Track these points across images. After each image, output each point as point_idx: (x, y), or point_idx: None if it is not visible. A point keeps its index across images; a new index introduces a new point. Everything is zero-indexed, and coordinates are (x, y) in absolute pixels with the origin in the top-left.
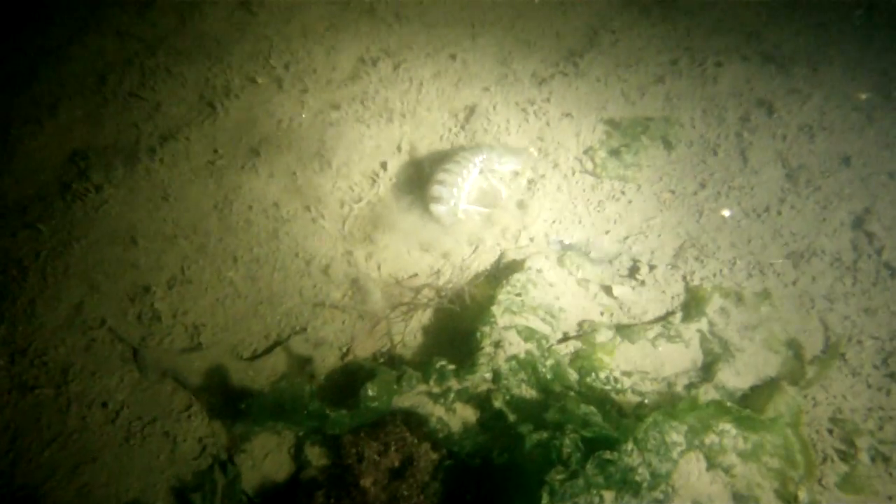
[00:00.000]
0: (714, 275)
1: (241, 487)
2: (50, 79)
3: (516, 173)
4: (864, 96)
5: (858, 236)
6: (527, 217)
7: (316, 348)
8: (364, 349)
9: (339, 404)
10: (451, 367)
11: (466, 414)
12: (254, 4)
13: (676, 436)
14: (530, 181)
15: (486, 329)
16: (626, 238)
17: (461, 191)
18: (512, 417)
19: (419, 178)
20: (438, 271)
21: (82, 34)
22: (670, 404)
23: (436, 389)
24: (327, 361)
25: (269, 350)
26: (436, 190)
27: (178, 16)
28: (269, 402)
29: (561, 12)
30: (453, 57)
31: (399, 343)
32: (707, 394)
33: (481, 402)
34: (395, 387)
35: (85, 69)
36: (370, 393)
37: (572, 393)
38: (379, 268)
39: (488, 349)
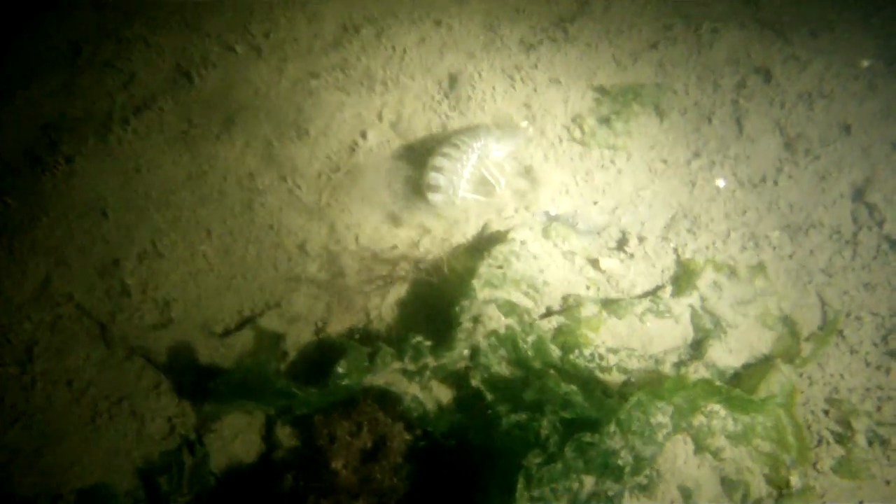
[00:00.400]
0: (707, 247)
1: (210, 469)
2: (24, 50)
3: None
4: (866, 63)
5: (858, 208)
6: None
7: (290, 324)
8: (340, 324)
9: (312, 382)
10: (428, 343)
11: (443, 393)
12: None
13: (662, 417)
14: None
15: (466, 303)
16: (616, 209)
17: (460, 178)
18: (489, 396)
19: (402, 148)
20: (418, 243)
21: (59, 4)
22: (657, 383)
23: (411, 367)
24: (302, 337)
25: (241, 326)
26: (433, 178)
27: None
28: (235, 380)
29: None
30: (438, 23)
31: (376, 317)
32: (697, 372)
33: (458, 379)
34: (367, 364)
35: (60, 40)
36: (340, 371)
37: (553, 371)
38: (357, 239)
39: (467, 324)
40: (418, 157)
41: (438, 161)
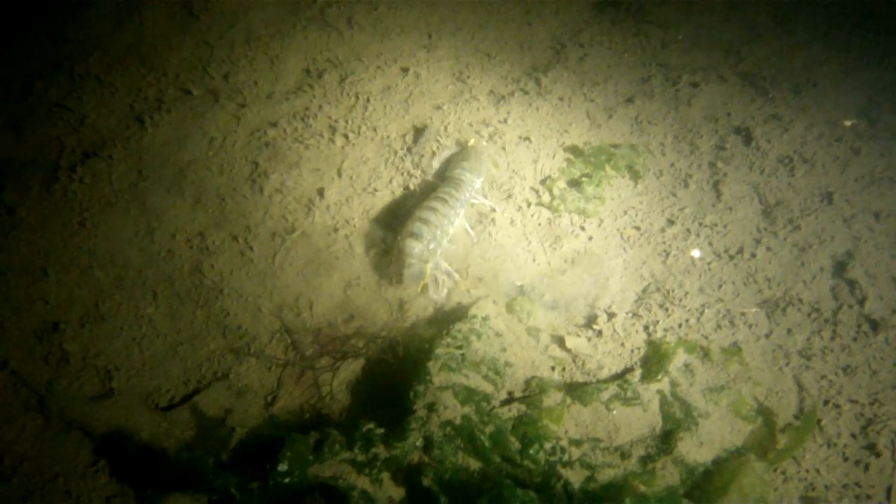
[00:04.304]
0: (679, 325)
1: None
2: None
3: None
4: (849, 123)
5: (839, 284)
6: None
7: (238, 397)
8: (291, 398)
9: (258, 468)
10: (380, 431)
11: (394, 489)
12: (196, 7)
13: None
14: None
15: (420, 388)
16: (585, 280)
17: (444, 236)
18: (443, 500)
19: (361, 207)
20: (376, 312)
21: (12, 35)
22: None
23: (361, 457)
24: (250, 411)
25: (186, 399)
26: (417, 226)
27: (116, 17)
28: (173, 471)
29: (526, 22)
30: (405, 70)
31: (327, 395)
32: (665, 468)
33: (411, 474)
34: (312, 457)
35: (12, 74)
36: (282, 468)
37: (509, 473)
38: (311, 308)
39: (421, 412)
40: (379, 217)
41: (425, 213)
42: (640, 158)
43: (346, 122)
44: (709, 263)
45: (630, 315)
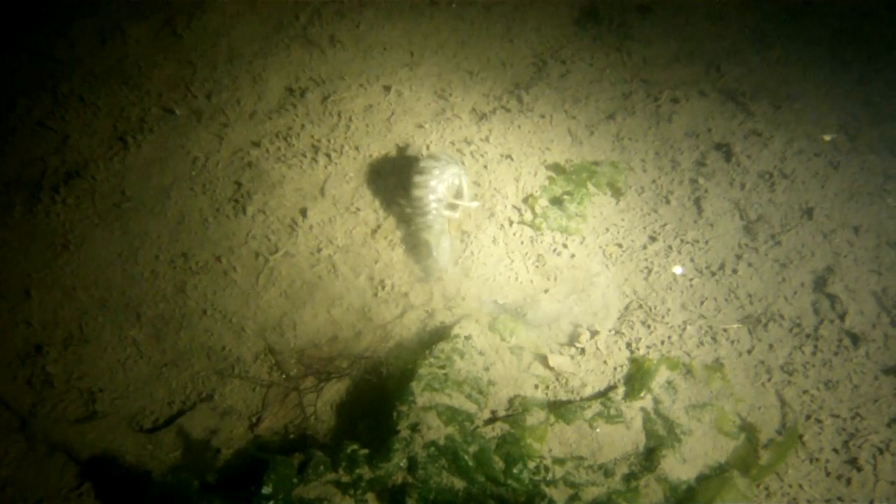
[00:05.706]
0: (662, 342)
1: None
2: None
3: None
4: (828, 138)
5: (820, 299)
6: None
7: (223, 418)
8: (276, 419)
9: (244, 488)
10: (364, 452)
11: None
12: (179, 25)
13: None
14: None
15: (404, 409)
16: (567, 298)
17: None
18: None
19: (344, 226)
20: (360, 332)
21: None
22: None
23: (345, 478)
24: (236, 432)
25: (171, 420)
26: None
27: (100, 36)
28: (156, 495)
29: (508, 39)
30: (387, 88)
31: (312, 415)
32: (648, 486)
33: (395, 494)
34: (296, 479)
35: None
36: (266, 492)
37: (493, 493)
38: (295, 327)
39: (405, 433)
40: (362, 237)
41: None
42: (621, 175)
43: (329, 141)
44: (690, 280)
45: (613, 332)
